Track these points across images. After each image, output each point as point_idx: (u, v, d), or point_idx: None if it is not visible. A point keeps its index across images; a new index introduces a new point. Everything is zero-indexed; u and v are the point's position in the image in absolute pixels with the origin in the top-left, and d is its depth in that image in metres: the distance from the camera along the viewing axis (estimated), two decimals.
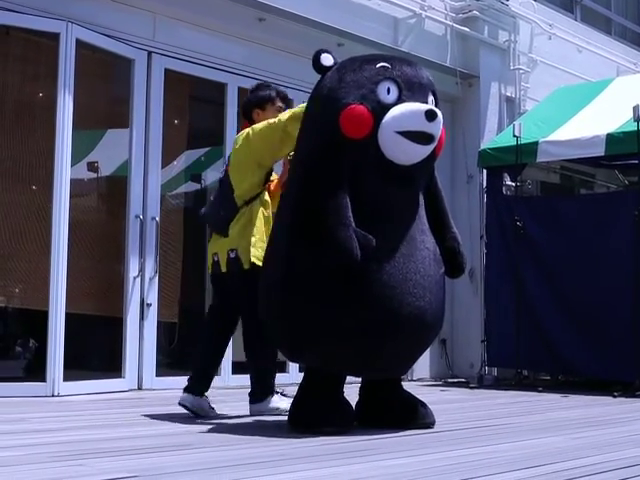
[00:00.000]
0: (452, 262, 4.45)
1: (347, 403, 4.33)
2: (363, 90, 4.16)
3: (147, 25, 7.29)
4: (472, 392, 7.71)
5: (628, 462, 3.42)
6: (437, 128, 4.21)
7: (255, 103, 5.31)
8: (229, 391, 7.16)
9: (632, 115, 7.36)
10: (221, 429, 4.30)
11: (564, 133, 8.24)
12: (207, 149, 8.80)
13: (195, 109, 8.14)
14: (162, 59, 7.32)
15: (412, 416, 4.41)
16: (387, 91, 4.17)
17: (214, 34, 7.66)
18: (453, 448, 3.77)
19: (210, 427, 4.43)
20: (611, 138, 7.75)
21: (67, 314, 6.33)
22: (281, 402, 5.02)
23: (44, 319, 6.27)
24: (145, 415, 5.13)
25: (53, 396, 6.16)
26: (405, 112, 4.15)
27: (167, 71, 7.35)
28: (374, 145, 4.15)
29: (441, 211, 4.52)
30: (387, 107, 4.16)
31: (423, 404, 4.49)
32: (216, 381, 7.34)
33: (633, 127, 7.37)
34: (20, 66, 6.83)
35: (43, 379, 6.22)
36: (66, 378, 6.29)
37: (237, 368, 7.57)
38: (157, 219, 7.11)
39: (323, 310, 4.13)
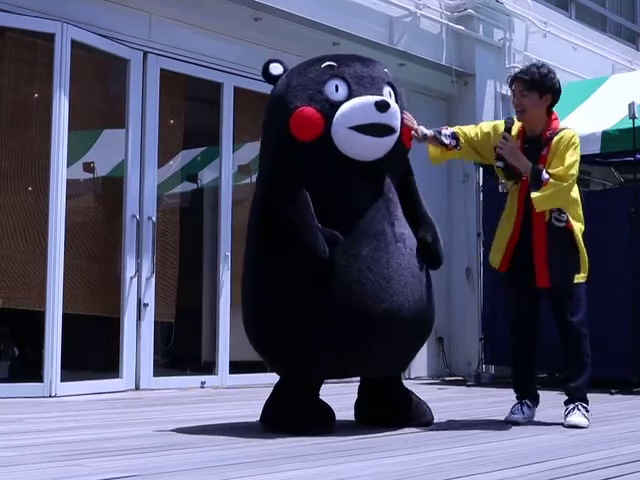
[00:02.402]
0: (428, 253, 4.32)
1: (325, 405, 4.25)
2: (309, 91, 4.13)
3: (142, 25, 7.30)
4: (469, 390, 7.72)
5: (624, 459, 3.43)
6: (391, 118, 4.14)
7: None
8: (227, 391, 7.18)
9: (627, 112, 7.36)
10: (218, 429, 4.31)
11: None
12: (203, 149, 8.81)
13: (191, 109, 8.14)
14: (158, 59, 7.33)
15: (410, 414, 4.38)
16: (335, 89, 4.12)
17: (210, 34, 7.66)
18: (449, 446, 3.78)
19: (207, 427, 4.44)
20: (606, 136, 7.76)
21: (64, 314, 6.34)
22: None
23: (41, 320, 6.28)
24: (142, 415, 5.13)
25: (50, 397, 6.16)
26: (354, 106, 4.10)
27: (163, 71, 7.36)
28: (330, 145, 4.10)
29: (414, 202, 4.40)
30: (337, 105, 4.11)
31: (421, 402, 4.47)
32: (213, 381, 7.42)
33: (628, 124, 7.38)
34: (15, 67, 6.82)
35: (40, 380, 6.22)
36: (63, 379, 6.29)
37: (234, 368, 7.59)
38: (154, 219, 7.12)
39: (294, 315, 4.05)
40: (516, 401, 4.85)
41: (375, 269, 4.04)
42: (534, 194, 4.53)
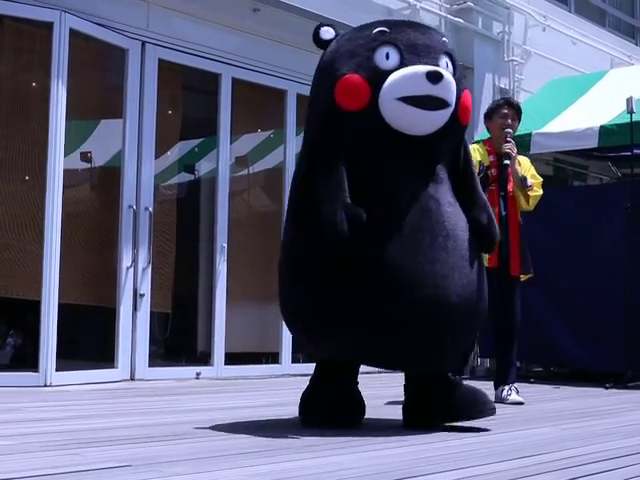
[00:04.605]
0: (482, 235, 4.03)
1: (359, 395, 4.21)
2: (358, 58, 3.87)
3: (141, 15, 7.28)
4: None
5: (616, 453, 3.44)
6: (445, 90, 3.83)
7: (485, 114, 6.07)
8: (222, 382, 7.19)
9: (625, 107, 7.36)
10: (214, 419, 4.31)
11: (557, 125, 8.26)
12: (201, 140, 8.81)
13: (189, 99, 8.13)
14: (156, 49, 7.31)
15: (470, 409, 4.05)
16: (386, 56, 3.85)
17: (208, 24, 7.65)
18: (443, 439, 3.78)
19: (203, 418, 4.44)
20: (604, 130, 7.77)
21: (60, 304, 6.34)
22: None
23: (37, 309, 6.28)
24: (138, 405, 5.14)
25: (46, 386, 6.17)
26: (404, 75, 3.81)
27: (161, 61, 7.34)
28: (376, 115, 3.83)
29: (467, 182, 4.11)
30: (386, 74, 3.82)
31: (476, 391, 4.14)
32: (208, 372, 7.43)
33: (626, 119, 7.38)
34: (13, 56, 6.81)
35: (36, 369, 6.23)
36: (59, 368, 6.29)
37: (230, 359, 7.60)
38: (150, 209, 7.11)
39: (326, 296, 3.81)
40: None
41: (418, 249, 3.76)
42: (532, 193, 5.79)
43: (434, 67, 3.83)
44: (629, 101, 7.27)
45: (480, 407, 4.05)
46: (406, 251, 3.76)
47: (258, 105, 8.58)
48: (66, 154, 6.60)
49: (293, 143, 8.29)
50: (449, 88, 3.86)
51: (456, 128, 4.02)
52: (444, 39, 4.09)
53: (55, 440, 3.56)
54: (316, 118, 4.07)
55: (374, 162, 3.91)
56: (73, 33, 6.60)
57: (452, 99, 3.90)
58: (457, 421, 4.05)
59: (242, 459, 3.15)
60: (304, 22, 8.00)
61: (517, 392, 5.70)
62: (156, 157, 7.37)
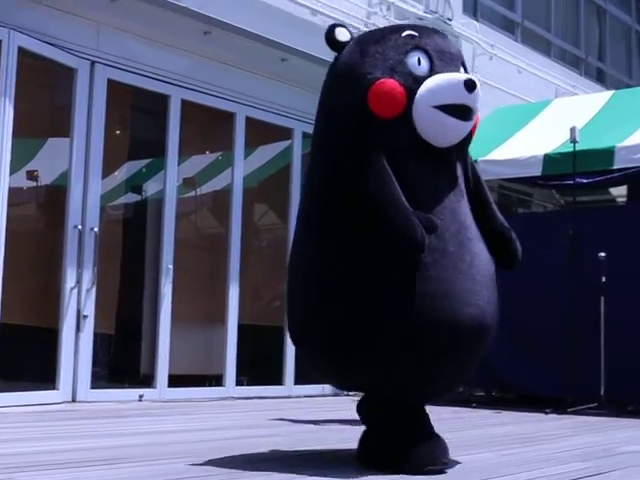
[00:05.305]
0: (504, 249, 3.81)
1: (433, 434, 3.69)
2: (391, 62, 3.61)
3: (91, 34, 7.26)
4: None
5: (554, 479, 3.48)
6: (475, 100, 3.65)
7: None
8: (165, 404, 7.14)
9: (569, 136, 7.49)
10: (155, 443, 4.29)
11: (503, 152, 8.37)
12: (149, 160, 8.78)
13: (138, 120, 8.13)
14: (105, 69, 7.29)
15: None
16: (418, 62, 3.63)
17: (159, 46, 7.66)
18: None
19: (144, 441, 4.41)
20: (548, 158, 7.90)
21: (1, 324, 6.26)
22: None
23: None
24: (79, 428, 5.08)
25: None
26: (442, 83, 3.60)
27: (110, 81, 7.32)
28: (409, 124, 3.59)
29: (482, 195, 3.89)
30: (420, 80, 3.60)
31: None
32: (151, 394, 7.37)
33: (569, 148, 7.51)
34: None
35: None
36: None
37: (173, 381, 7.56)
38: (96, 230, 7.06)
39: (370, 318, 3.46)
40: None
41: (461, 268, 3.53)
42: None
43: (469, 75, 3.69)
44: (572, 131, 7.40)
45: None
46: (453, 269, 3.53)
47: (207, 127, 8.60)
48: (12, 172, 6.55)
49: (241, 165, 8.31)
50: (479, 98, 3.69)
51: (469, 140, 3.86)
52: (459, 48, 4.00)
53: None
54: (340, 125, 3.71)
55: (408, 174, 3.60)
56: (22, 51, 6.56)
57: (478, 109, 3.75)
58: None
59: None
60: (254, 45, 8.07)
61: None
62: (103, 177, 7.33)
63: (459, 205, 3.68)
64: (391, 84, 3.56)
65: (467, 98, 3.59)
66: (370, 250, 3.47)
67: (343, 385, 4.05)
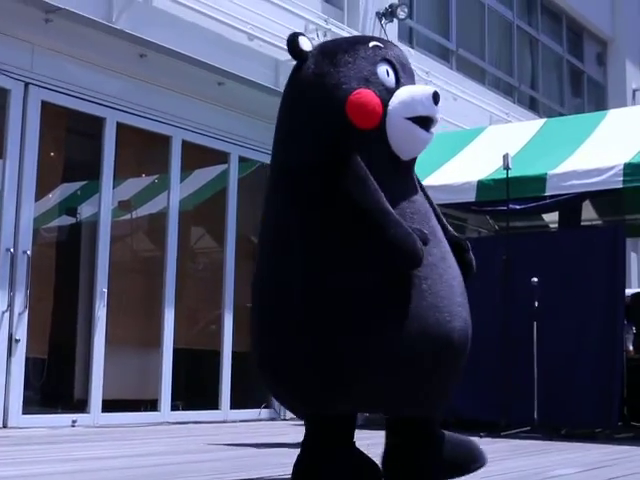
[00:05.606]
0: (461, 259, 3.73)
1: (367, 459, 3.71)
2: (365, 72, 3.56)
3: (25, 56, 7.19)
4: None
5: None
6: (437, 112, 3.60)
7: None
8: (99, 430, 7.04)
9: (502, 163, 7.60)
10: (88, 470, 4.22)
11: (437, 178, 8.46)
12: (83, 183, 8.69)
13: (72, 142, 8.05)
14: (39, 91, 7.23)
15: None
16: (387, 73, 3.59)
17: (94, 68, 7.61)
18: None
19: (77, 468, 4.34)
20: (482, 185, 8.01)
21: None
22: None
23: None
24: (10, 454, 4.99)
25: None
26: (414, 95, 3.56)
27: (44, 103, 7.26)
28: (382, 136, 3.54)
29: (438, 212, 3.83)
30: (391, 91, 3.56)
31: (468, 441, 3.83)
32: (85, 420, 7.27)
33: (502, 175, 7.62)
34: None
35: None
36: None
37: (107, 406, 7.46)
38: (29, 253, 6.97)
39: (364, 336, 3.31)
40: None
41: (447, 281, 3.48)
42: None
43: (433, 88, 3.65)
44: (505, 158, 7.51)
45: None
46: (440, 283, 3.47)
47: (143, 150, 8.55)
48: None
49: (177, 188, 8.28)
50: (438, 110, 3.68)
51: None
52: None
53: None
54: (313, 137, 3.58)
55: (383, 187, 3.47)
56: None
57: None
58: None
59: None
60: (190, 69, 8.06)
61: None
62: (36, 199, 7.24)
63: (431, 217, 3.65)
64: (369, 95, 3.51)
65: (433, 110, 3.56)
66: (362, 264, 3.37)
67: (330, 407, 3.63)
